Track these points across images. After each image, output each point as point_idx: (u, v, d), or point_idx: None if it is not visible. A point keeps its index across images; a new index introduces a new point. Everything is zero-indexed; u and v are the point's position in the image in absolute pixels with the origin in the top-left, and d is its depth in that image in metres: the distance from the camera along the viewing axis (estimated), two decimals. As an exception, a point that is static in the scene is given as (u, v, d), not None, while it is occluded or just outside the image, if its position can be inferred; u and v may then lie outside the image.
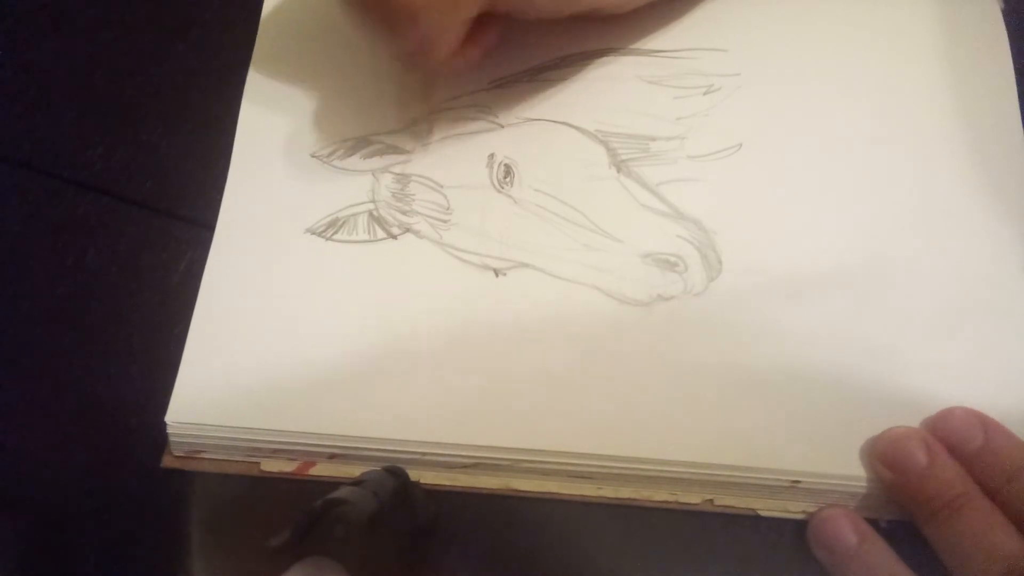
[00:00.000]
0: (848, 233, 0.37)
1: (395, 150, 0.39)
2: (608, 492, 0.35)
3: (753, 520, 0.34)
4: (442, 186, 0.38)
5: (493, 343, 0.36)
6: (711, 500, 0.35)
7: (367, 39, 0.37)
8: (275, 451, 0.35)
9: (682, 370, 0.35)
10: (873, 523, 0.33)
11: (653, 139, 0.39)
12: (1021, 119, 0.39)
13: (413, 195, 0.38)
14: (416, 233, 0.38)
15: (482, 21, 0.37)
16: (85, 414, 0.36)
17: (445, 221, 0.38)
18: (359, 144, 0.39)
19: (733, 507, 0.34)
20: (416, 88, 0.39)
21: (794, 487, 0.34)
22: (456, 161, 0.39)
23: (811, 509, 0.34)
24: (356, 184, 0.39)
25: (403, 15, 0.33)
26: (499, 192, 0.38)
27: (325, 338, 0.36)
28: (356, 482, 0.31)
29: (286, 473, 0.35)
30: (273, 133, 0.40)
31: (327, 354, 0.35)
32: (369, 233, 0.38)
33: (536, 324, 0.36)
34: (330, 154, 0.39)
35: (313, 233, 0.38)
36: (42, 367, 0.37)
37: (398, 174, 0.39)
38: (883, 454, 0.33)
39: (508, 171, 0.38)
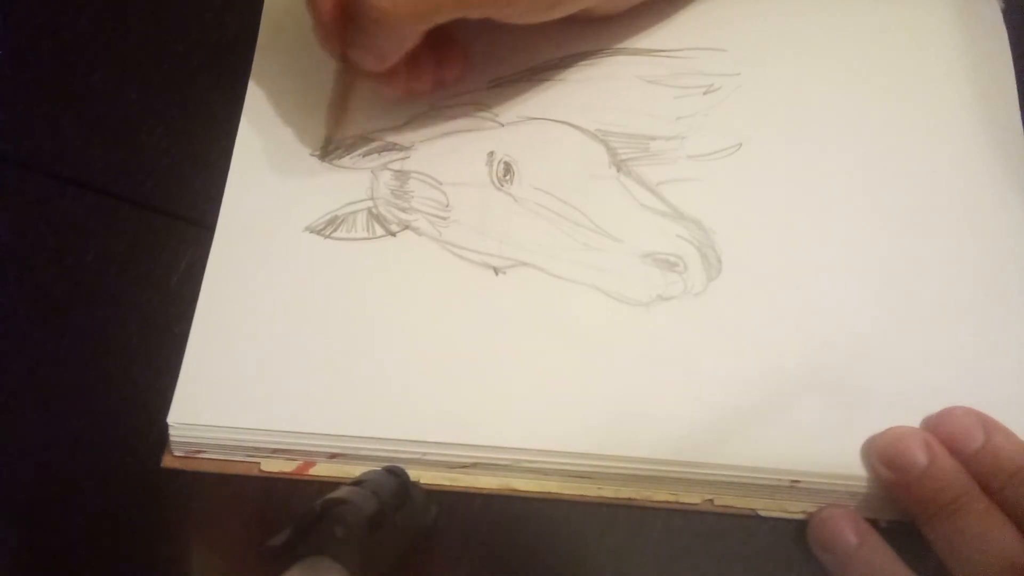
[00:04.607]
0: (848, 233, 0.37)
1: (394, 147, 0.39)
2: (608, 492, 0.35)
3: (753, 520, 0.34)
4: (441, 183, 0.38)
5: (492, 342, 0.36)
6: (711, 500, 0.35)
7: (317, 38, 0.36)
8: (275, 451, 0.35)
9: (682, 370, 0.35)
10: (873, 523, 0.33)
11: (653, 139, 0.39)
12: (1021, 119, 0.39)
13: (412, 192, 0.38)
14: (415, 230, 0.38)
15: (432, 55, 0.37)
16: (85, 414, 0.36)
17: (444, 218, 0.38)
18: (358, 142, 0.39)
19: (733, 507, 0.34)
20: (334, 89, 0.38)
21: (794, 487, 0.34)
22: (455, 158, 0.39)
23: (811, 509, 0.34)
24: (355, 181, 0.38)
25: (364, 14, 0.32)
26: (499, 190, 0.38)
27: (325, 337, 0.36)
28: (356, 482, 0.31)
29: (286, 473, 0.35)
30: (273, 132, 0.39)
31: (327, 353, 0.35)
32: (368, 231, 0.38)
33: (535, 323, 0.36)
34: (329, 152, 0.39)
35: (312, 231, 0.38)
36: (42, 367, 0.37)
37: (397, 171, 0.39)
38: (883, 454, 0.33)
39: (508, 169, 0.38)
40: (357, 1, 0.32)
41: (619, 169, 0.38)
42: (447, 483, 0.35)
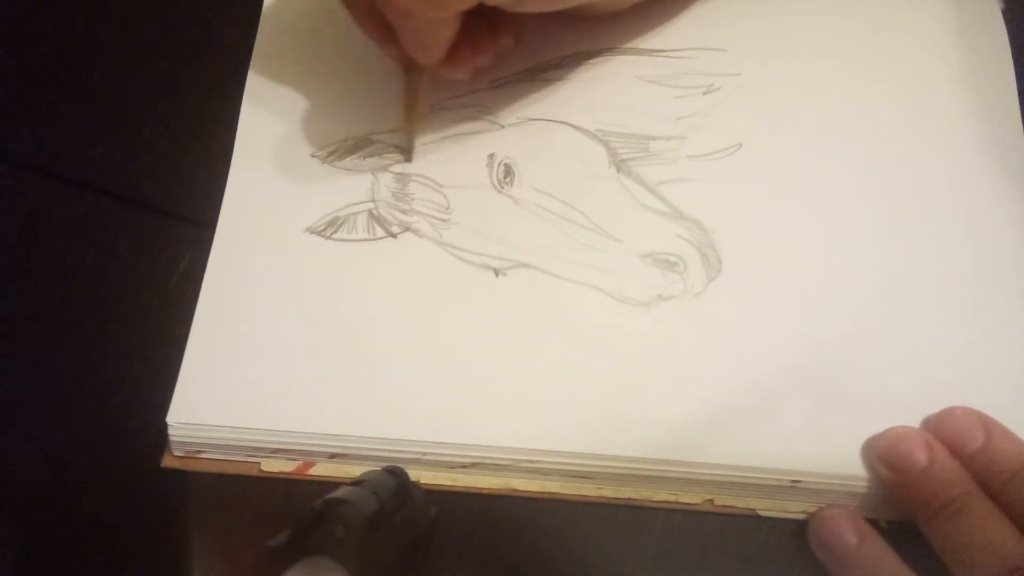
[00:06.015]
0: (848, 233, 0.37)
1: (395, 149, 0.39)
2: (608, 492, 0.35)
3: (753, 520, 0.34)
4: (442, 185, 0.38)
5: (493, 342, 0.36)
6: (711, 500, 0.35)
7: (369, 42, 0.37)
8: (275, 451, 0.35)
9: (682, 370, 0.35)
10: (873, 523, 0.33)
11: (653, 139, 0.39)
12: (1021, 119, 0.39)
13: (413, 194, 0.38)
14: (416, 232, 0.38)
15: (487, 28, 0.37)
16: (85, 414, 0.36)
17: (445, 220, 0.38)
18: (359, 143, 0.39)
19: (733, 507, 0.34)
20: (404, 94, 0.39)
21: (794, 487, 0.34)
22: (456, 161, 0.39)
23: (811, 509, 0.34)
24: (356, 183, 0.38)
25: (392, 13, 0.33)
26: (499, 192, 0.38)
27: (325, 337, 0.36)
28: (356, 482, 0.31)
29: (286, 473, 0.35)
30: (273, 133, 0.39)
31: (327, 353, 0.35)
32: (369, 232, 0.38)
33: (536, 324, 0.36)
34: (330, 154, 0.39)
35: (313, 232, 0.38)
36: (42, 367, 0.37)
37: (398, 173, 0.39)
38: (883, 454, 0.33)
39: (508, 171, 0.38)
40: (383, 7, 0.33)
41: (619, 169, 0.38)
42: (447, 483, 0.35)
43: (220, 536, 0.35)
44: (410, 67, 0.38)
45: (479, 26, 0.36)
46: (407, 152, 0.39)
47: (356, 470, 0.34)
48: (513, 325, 0.36)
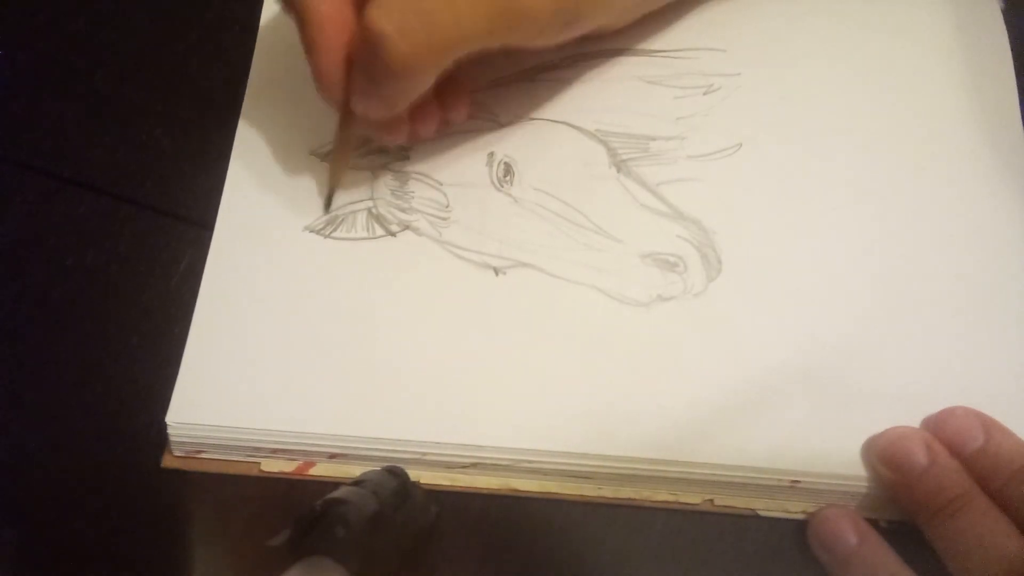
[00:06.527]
0: (848, 232, 0.37)
1: (394, 147, 0.39)
2: (608, 492, 0.35)
3: (753, 520, 0.34)
4: (441, 184, 0.38)
5: (492, 342, 0.36)
6: (711, 500, 0.35)
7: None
8: (275, 451, 0.35)
9: (681, 370, 0.35)
10: (873, 523, 0.33)
11: (653, 139, 0.39)
12: (1021, 119, 0.39)
13: (412, 192, 0.38)
14: (415, 231, 0.38)
15: (445, 96, 0.36)
16: (85, 414, 0.36)
17: (444, 219, 0.38)
18: (358, 142, 0.39)
19: (733, 507, 0.34)
20: (337, 156, 0.37)
21: (794, 487, 0.34)
22: (456, 159, 0.39)
23: (811, 509, 0.34)
24: (355, 181, 0.38)
25: (381, 63, 0.30)
26: (499, 191, 0.38)
27: (324, 337, 0.36)
28: (356, 482, 0.31)
29: (286, 473, 0.35)
30: (272, 131, 0.39)
31: (327, 353, 0.35)
32: (368, 231, 0.38)
33: (536, 323, 0.36)
34: (329, 152, 0.39)
35: (312, 231, 0.38)
36: (42, 367, 0.37)
37: (397, 171, 0.39)
38: (883, 454, 0.33)
39: (508, 170, 0.38)
40: (368, 47, 0.30)
41: (619, 169, 0.38)
42: (447, 483, 0.35)
43: (220, 536, 0.35)
44: (348, 116, 0.35)
45: (427, 92, 0.33)
46: (328, 203, 0.38)
47: (356, 470, 0.34)
48: (513, 325, 0.36)
